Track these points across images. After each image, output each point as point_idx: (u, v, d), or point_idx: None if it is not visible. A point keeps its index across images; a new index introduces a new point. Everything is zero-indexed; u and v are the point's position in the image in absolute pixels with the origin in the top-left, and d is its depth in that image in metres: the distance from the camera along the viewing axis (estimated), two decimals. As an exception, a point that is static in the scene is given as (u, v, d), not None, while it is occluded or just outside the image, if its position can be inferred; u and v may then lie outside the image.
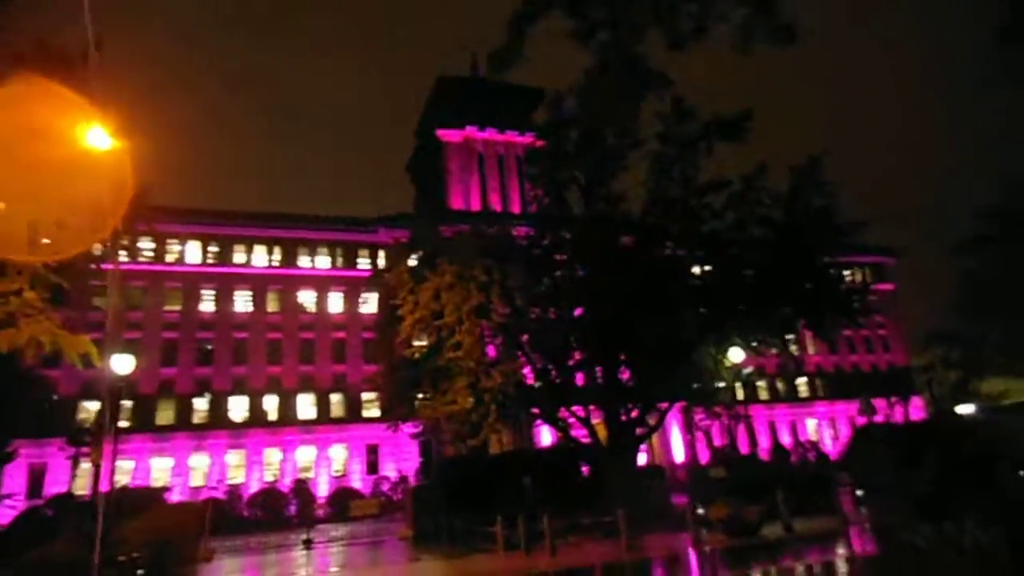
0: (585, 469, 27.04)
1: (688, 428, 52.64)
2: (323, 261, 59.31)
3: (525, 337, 22.26)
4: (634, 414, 24.40)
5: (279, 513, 46.63)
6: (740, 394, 67.87)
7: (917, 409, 70.14)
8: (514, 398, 21.69)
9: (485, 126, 71.68)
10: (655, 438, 52.97)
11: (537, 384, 22.79)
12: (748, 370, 28.46)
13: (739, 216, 21.39)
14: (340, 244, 59.68)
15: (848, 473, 37.73)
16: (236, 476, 51.29)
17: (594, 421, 25.24)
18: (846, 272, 78.50)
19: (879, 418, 58.14)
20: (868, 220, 21.39)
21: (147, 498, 28.50)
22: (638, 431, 25.19)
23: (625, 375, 24.14)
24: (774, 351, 25.07)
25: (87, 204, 17.99)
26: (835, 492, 22.65)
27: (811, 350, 74.17)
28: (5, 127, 14.68)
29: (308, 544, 27.90)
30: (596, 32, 7.22)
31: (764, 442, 66.61)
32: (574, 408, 24.91)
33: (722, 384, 29.62)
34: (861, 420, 60.54)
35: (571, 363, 23.27)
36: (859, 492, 25.79)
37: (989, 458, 30.14)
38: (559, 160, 26.88)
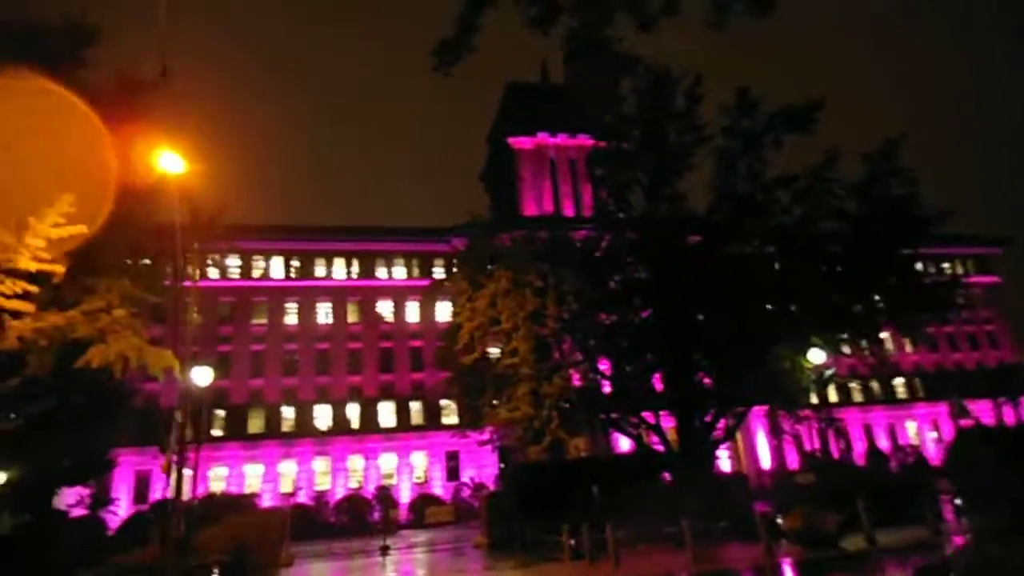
0: (665, 476, 26.38)
1: (775, 433, 50.48)
2: (399, 271, 60.73)
3: (592, 342, 21.93)
4: (707, 419, 23.60)
5: (362, 519, 47.88)
6: (833, 396, 65.22)
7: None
8: (577, 404, 21.39)
9: (556, 131, 71.57)
10: (740, 444, 51.25)
11: (604, 390, 22.40)
12: (830, 371, 26.91)
13: (808, 210, 20.33)
14: (416, 255, 60.95)
15: (948, 479, 35.26)
16: (322, 483, 53.01)
17: (670, 426, 24.61)
18: (945, 264, 73.86)
19: (987, 420, 54.15)
20: (956, 209, 19.87)
21: (235, 504, 29.79)
22: (714, 436, 24.36)
23: (699, 378, 23.39)
24: (859, 351, 23.58)
25: (164, 226, 19.03)
26: (928, 500, 21.08)
27: (909, 349, 69.96)
28: (86, 158, 15.74)
29: (385, 550, 28.43)
30: (558, 18, 6.88)
31: (860, 446, 63.21)
32: (645, 414, 24.35)
33: (805, 386, 28.07)
34: (966, 422, 56.61)
35: (639, 368, 22.74)
36: (958, 500, 23.96)
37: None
38: (619, 160, 26.50)
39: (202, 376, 22.52)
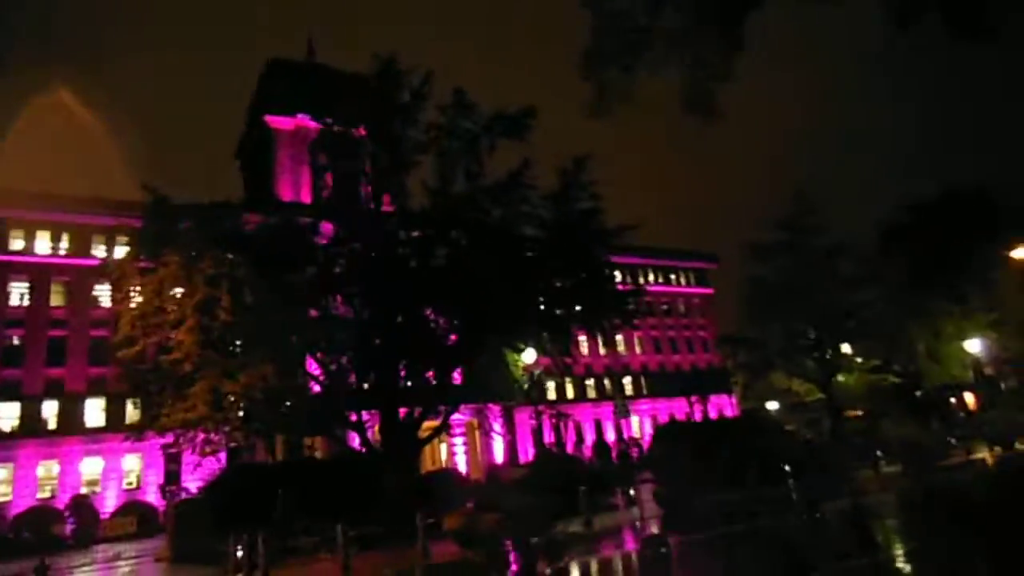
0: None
1: (509, 429, 52.66)
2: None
3: (293, 337, 20.36)
4: (412, 417, 23.26)
5: (49, 534, 41.14)
6: (570, 392, 70.05)
7: (731, 407, 75.28)
8: (262, 404, 19.76)
9: (320, 114, 68.28)
10: (477, 440, 52.64)
11: (296, 387, 21.05)
12: (538, 371, 28.22)
13: (505, 214, 20.88)
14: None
15: (651, 469, 39.12)
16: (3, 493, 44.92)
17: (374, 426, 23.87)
18: (672, 276, 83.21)
19: (687, 416, 61.69)
20: (636, 224, 21.63)
21: None
22: (419, 435, 24.11)
23: (401, 377, 22.93)
24: (556, 351, 24.78)
25: None
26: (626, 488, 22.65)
27: (638, 350, 77.54)
28: None
29: (41, 572, 24.23)
30: None
31: (590, 439, 68.61)
32: (350, 413, 23.39)
33: (519, 384, 29.18)
34: (681, 417, 63.91)
35: (339, 366, 21.70)
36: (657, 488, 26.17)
37: (762, 452, 31.74)
38: (344, 148, 25.40)
39: None
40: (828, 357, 40.44)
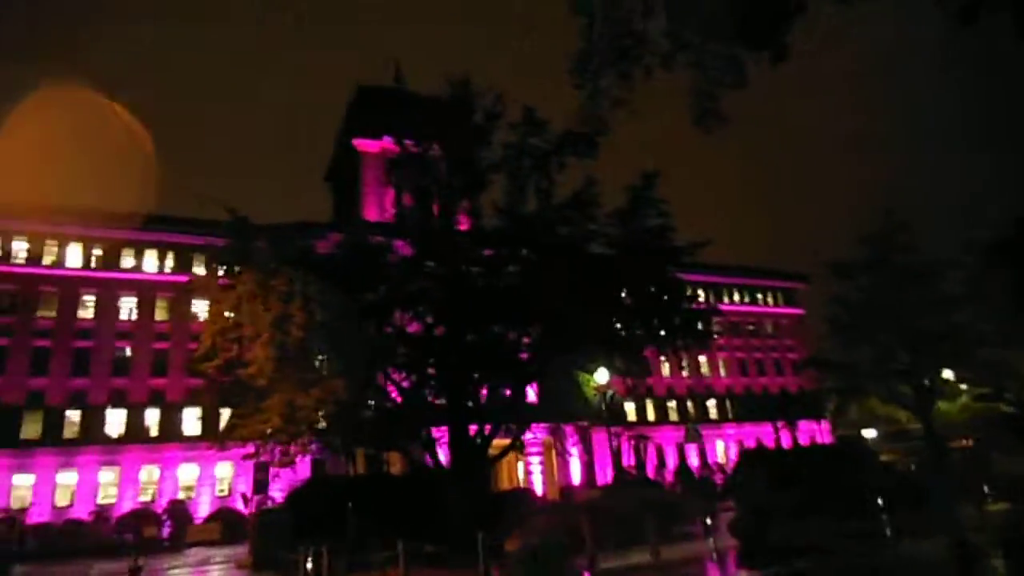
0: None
1: (587, 450, 51.92)
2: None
3: (365, 353, 20.87)
4: (484, 433, 23.29)
5: (149, 536, 43.61)
6: (651, 415, 68.43)
7: (824, 434, 71.49)
8: (335, 418, 20.24)
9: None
10: (554, 460, 52.11)
11: (371, 403, 21.48)
12: (611, 392, 27.64)
13: (572, 232, 20.67)
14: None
15: (731, 497, 37.55)
16: (109, 496, 48.06)
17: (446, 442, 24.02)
18: (759, 295, 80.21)
19: (783, 441, 58.83)
20: (707, 240, 20.95)
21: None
22: (489, 453, 24.09)
23: (473, 395, 23.00)
24: (628, 372, 24.27)
25: None
26: (706, 517, 21.85)
27: (723, 372, 75.01)
28: None
29: (135, 572, 25.64)
30: None
31: (672, 463, 66.62)
32: (422, 429, 23.65)
33: (592, 405, 28.73)
34: (769, 441, 61.19)
35: (412, 382, 22.00)
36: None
37: (850, 482, 29.95)
38: (419, 167, 25.95)
39: None
40: (927, 383, 37.63)
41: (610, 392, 28.31)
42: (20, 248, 51.29)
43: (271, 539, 26.43)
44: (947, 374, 38.11)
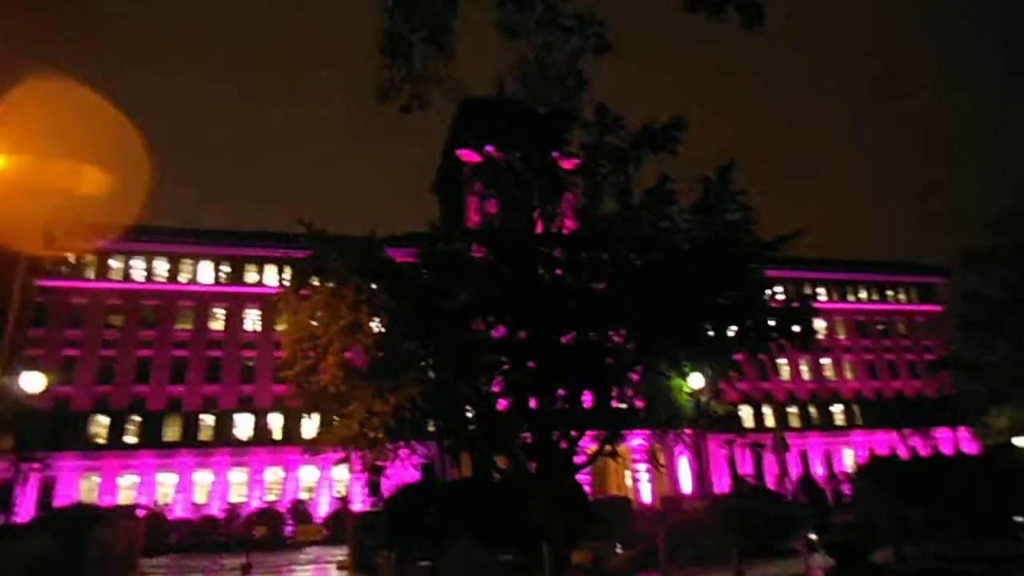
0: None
1: (698, 457, 49.94)
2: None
3: (435, 360, 21.02)
4: (563, 444, 22.88)
5: (276, 533, 46.43)
6: (770, 420, 64.74)
7: (966, 441, 64.82)
8: (412, 424, 20.55)
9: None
10: (663, 469, 50.52)
11: (444, 410, 21.60)
12: (704, 398, 26.30)
13: (648, 232, 19.79)
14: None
15: (852, 510, 34.74)
16: (239, 495, 51.71)
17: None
18: (889, 292, 74.08)
19: (920, 451, 53.88)
20: (795, 233, 19.37)
21: (97, 516, 28.44)
22: (577, 459, 23.65)
23: (556, 400, 22.65)
24: (724, 375, 22.90)
25: None
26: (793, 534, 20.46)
27: (849, 375, 70.00)
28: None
29: (247, 569, 27.36)
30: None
31: (796, 472, 62.78)
32: (510, 434, 23.58)
33: (685, 411, 27.37)
34: (903, 450, 56.22)
35: (490, 389, 21.94)
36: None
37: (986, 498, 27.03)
38: (497, 175, 26.04)
39: (31, 383, 21.55)
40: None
41: (704, 398, 27.01)
42: (161, 267, 56.42)
43: (369, 541, 27.39)
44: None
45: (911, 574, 16.39)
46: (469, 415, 23.29)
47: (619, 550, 17.73)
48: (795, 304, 20.86)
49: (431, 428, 23.11)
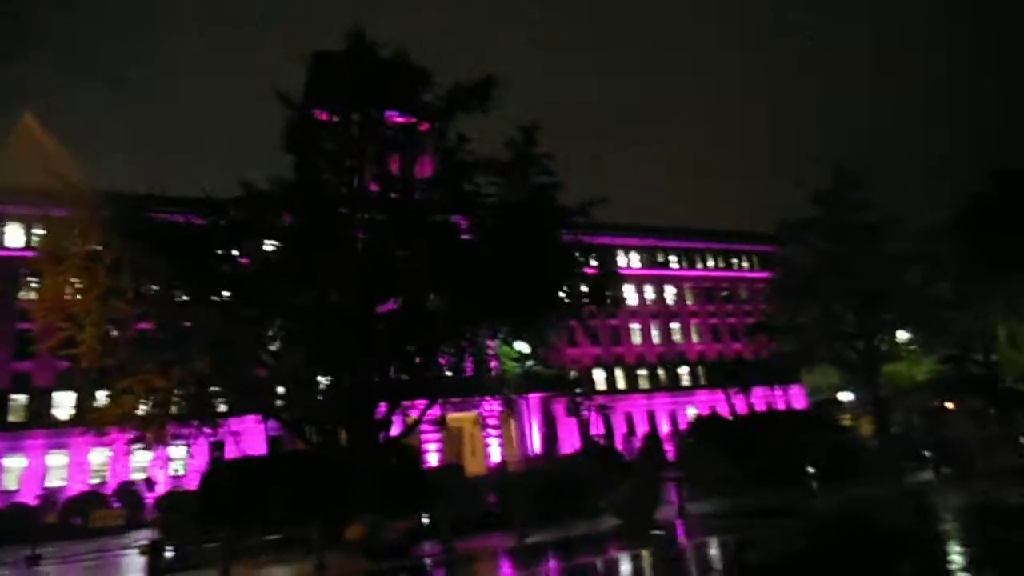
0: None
1: (547, 421, 51.09)
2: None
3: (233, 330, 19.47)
4: (379, 413, 22.14)
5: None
6: (621, 383, 67.40)
7: (796, 399, 70.57)
8: (195, 399, 18.97)
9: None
10: (512, 431, 51.28)
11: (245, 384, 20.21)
12: (530, 363, 26.51)
13: (451, 197, 19.21)
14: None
15: (678, 466, 36.45)
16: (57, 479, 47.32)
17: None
18: (734, 260, 78.89)
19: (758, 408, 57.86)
20: (601, 198, 19.44)
21: None
22: (390, 431, 23.01)
23: (366, 372, 21.77)
24: (534, 340, 23.06)
25: None
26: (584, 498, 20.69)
27: (695, 338, 74.02)
28: None
29: (34, 561, 24.63)
30: None
31: (642, 431, 65.90)
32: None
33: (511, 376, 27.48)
34: (741, 408, 60.21)
35: (289, 361, 20.70)
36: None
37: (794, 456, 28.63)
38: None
39: None
40: (877, 344, 36.13)
41: (529, 363, 27.17)
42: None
43: (173, 520, 25.52)
44: (901, 336, 36.83)
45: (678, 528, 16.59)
46: (279, 391, 21.97)
47: (425, 520, 17.13)
48: (601, 272, 21.06)
49: (228, 404, 21.63)
